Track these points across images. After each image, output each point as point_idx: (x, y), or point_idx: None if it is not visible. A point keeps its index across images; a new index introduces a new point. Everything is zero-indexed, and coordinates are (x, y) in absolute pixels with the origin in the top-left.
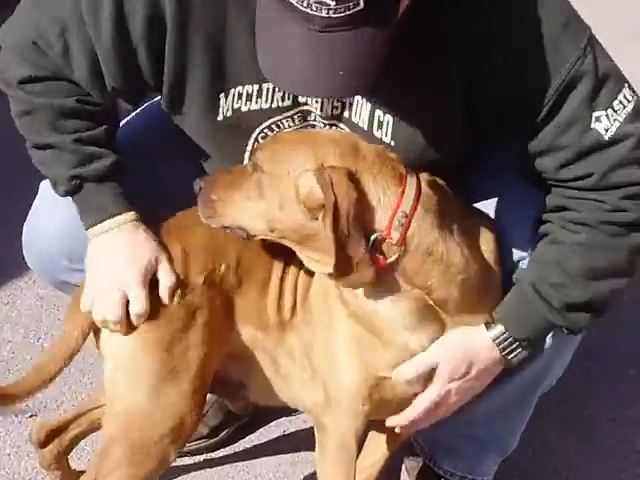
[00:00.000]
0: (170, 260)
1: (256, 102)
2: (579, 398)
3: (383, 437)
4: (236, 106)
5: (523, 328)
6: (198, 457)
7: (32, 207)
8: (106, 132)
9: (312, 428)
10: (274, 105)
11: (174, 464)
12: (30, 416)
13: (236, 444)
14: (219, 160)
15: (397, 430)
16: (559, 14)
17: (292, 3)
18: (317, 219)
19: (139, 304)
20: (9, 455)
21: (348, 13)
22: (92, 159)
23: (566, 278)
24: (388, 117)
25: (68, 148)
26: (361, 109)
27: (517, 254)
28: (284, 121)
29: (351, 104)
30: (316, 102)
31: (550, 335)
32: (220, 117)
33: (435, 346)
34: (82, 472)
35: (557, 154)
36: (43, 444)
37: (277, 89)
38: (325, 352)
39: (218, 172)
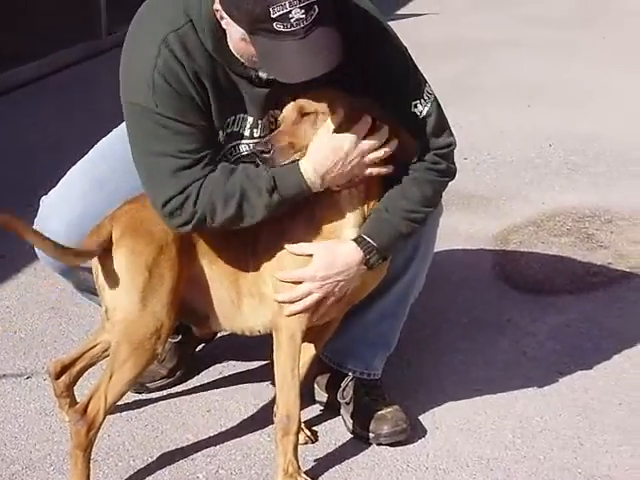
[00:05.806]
0: None
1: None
2: None
3: (311, 346)
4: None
5: (381, 237)
6: (160, 393)
7: (39, 214)
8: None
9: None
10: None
11: (143, 397)
12: (27, 377)
13: (188, 382)
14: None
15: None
16: (407, 60)
17: (283, 32)
18: None
19: None
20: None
21: (312, 18)
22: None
23: (409, 202)
24: None
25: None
26: None
27: None
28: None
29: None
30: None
31: (411, 258)
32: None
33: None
34: None
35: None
36: (57, 376)
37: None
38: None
39: (275, 135)
